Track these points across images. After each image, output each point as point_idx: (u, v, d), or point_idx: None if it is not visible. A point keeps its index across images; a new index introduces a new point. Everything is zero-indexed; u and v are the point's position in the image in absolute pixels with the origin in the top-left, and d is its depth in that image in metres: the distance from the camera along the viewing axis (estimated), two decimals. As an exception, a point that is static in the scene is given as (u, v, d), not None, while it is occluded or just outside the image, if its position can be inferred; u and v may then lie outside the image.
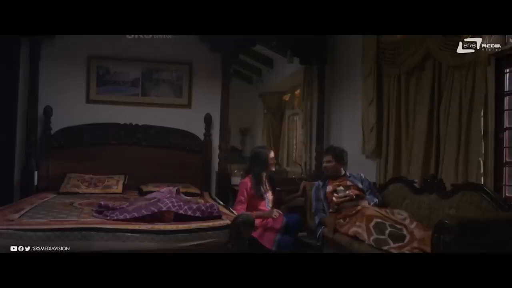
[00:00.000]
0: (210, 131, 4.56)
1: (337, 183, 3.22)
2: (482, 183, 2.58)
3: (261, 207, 3.35)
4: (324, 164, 3.32)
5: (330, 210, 3.09)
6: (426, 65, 3.15)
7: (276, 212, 3.21)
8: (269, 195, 3.43)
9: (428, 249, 2.16)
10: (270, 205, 3.42)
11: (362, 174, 3.32)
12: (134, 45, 4.37)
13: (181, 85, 4.62)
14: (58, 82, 4.29)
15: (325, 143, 4.65)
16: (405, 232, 2.48)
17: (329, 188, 3.20)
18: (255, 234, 3.09)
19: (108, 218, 2.53)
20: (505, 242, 2.03)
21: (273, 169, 3.49)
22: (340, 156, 3.29)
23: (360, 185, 3.21)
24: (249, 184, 3.34)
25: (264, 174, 3.41)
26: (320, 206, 3.21)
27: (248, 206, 3.29)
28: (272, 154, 3.47)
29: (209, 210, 2.62)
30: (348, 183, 3.21)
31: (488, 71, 2.63)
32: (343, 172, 3.30)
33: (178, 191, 2.97)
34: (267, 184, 3.44)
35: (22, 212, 2.71)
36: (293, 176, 4.92)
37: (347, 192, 3.12)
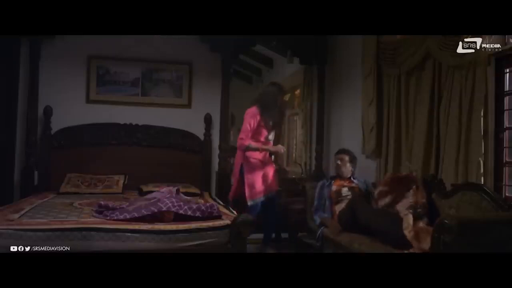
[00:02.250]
0: (210, 131, 4.56)
1: (342, 183, 3.26)
2: (482, 183, 2.57)
3: (261, 138, 3.51)
4: (339, 162, 3.34)
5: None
6: (426, 65, 3.15)
7: (282, 148, 3.51)
8: (271, 128, 3.58)
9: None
10: (270, 137, 3.58)
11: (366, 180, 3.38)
12: (134, 45, 4.37)
13: (181, 85, 4.62)
14: (58, 82, 4.28)
15: (325, 143, 4.66)
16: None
17: (334, 187, 3.23)
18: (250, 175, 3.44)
19: (108, 218, 2.53)
20: (505, 242, 2.03)
21: (277, 101, 3.57)
22: (354, 159, 3.37)
23: (363, 188, 3.25)
24: (257, 112, 3.46)
25: (277, 110, 3.56)
26: (322, 204, 3.24)
27: (252, 136, 3.46)
28: (277, 90, 3.60)
29: (209, 210, 2.62)
30: (353, 184, 3.26)
31: (488, 71, 2.63)
32: (349, 174, 3.34)
33: (178, 191, 2.97)
34: (273, 120, 3.57)
35: (22, 212, 2.71)
36: (293, 176, 4.92)
37: (351, 193, 3.16)
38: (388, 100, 3.57)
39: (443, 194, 2.69)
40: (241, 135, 3.47)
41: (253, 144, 3.47)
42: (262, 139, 3.55)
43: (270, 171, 3.62)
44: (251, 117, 3.47)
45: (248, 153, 3.50)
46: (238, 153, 3.57)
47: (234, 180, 3.66)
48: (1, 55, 4.07)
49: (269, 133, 3.58)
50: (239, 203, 3.51)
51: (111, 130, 4.36)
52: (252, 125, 3.46)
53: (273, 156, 3.76)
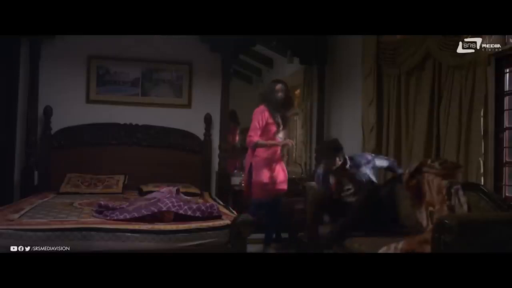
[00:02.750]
0: (210, 131, 4.55)
1: (340, 174, 3.04)
2: (482, 183, 2.58)
3: (270, 135, 3.53)
4: (337, 166, 2.95)
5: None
6: (426, 65, 3.15)
7: (290, 141, 3.57)
8: (281, 125, 3.59)
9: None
10: (281, 136, 3.60)
11: (362, 158, 3.02)
12: (134, 45, 4.37)
13: (181, 85, 4.62)
14: (58, 82, 4.28)
15: (325, 143, 4.65)
16: None
17: (332, 179, 3.09)
18: (259, 176, 3.46)
19: (108, 218, 2.53)
20: (505, 242, 2.03)
21: (282, 100, 3.59)
22: (343, 153, 3.01)
23: (361, 172, 2.97)
24: (265, 109, 3.51)
25: (278, 103, 3.57)
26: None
27: (261, 134, 3.49)
28: (278, 87, 3.60)
29: (209, 210, 2.62)
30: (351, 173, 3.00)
31: (488, 71, 2.63)
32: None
33: (178, 191, 2.97)
34: (279, 115, 3.60)
35: (22, 212, 2.71)
36: (293, 176, 4.92)
37: (350, 186, 3.02)
38: (388, 100, 3.57)
39: (443, 194, 2.69)
40: (250, 132, 3.52)
41: (261, 140, 3.49)
42: (271, 136, 3.56)
43: (280, 171, 3.61)
44: (260, 114, 3.51)
45: (257, 152, 3.52)
46: (248, 152, 3.62)
47: (244, 180, 3.68)
48: (1, 55, 4.07)
49: (278, 129, 3.58)
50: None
51: (111, 130, 4.35)
52: (260, 123, 3.49)
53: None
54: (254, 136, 3.47)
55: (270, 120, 3.52)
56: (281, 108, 3.60)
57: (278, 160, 3.63)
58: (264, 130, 3.52)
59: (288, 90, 3.67)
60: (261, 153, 3.52)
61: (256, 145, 3.49)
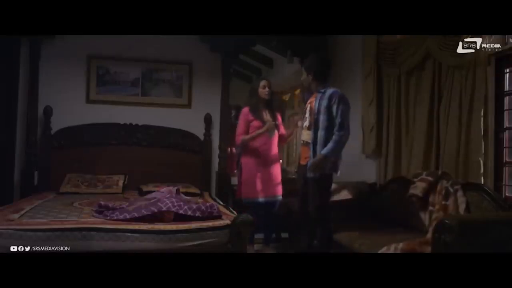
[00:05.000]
0: (210, 131, 4.55)
1: (311, 99, 2.99)
2: (482, 183, 2.58)
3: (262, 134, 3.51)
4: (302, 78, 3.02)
5: None
6: (426, 65, 3.15)
7: (271, 124, 3.46)
8: (269, 120, 3.55)
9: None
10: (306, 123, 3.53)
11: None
12: (134, 45, 4.37)
13: (181, 85, 4.62)
14: (58, 82, 4.28)
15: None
16: None
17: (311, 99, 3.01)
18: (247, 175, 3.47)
19: (108, 218, 2.52)
20: (505, 242, 2.03)
21: (266, 96, 3.56)
22: (320, 69, 2.95)
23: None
24: (247, 111, 3.54)
25: (261, 101, 3.56)
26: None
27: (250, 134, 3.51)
28: (263, 83, 3.57)
29: (209, 210, 2.62)
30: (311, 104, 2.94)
31: (488, 71, 2.63)
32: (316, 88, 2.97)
33: (178, 191, 2.97)
34: (266, 112, 3.58)
35: (22, 212, 2.70)
36: (293, 176, 4.91)
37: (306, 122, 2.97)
38: (388, 100, 3.57)
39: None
40: (236, 133, 3.57)
41: (245, 136, 3.50)
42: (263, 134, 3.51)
43: (274, 171, 3.55)
44: (243, 116, 3.56)
45: (247, 151, 3.51)
46: (242, 153, 3.61)
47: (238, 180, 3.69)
48: (1, 55, 4.06)
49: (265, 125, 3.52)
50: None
51: (111, 130, 4.35)
52: (243, 125, 3.52)
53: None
54: (239, 135, 3.53)
55: (252, 119, 3.50)
56: (260, 105, 3.54)
57: (272, 160, 3.55)
58: (250, 130, 3.51)
59: (266, 83, 3.58)
60: (251, 152, 3.50)
61: (243, 142, 3.52)
